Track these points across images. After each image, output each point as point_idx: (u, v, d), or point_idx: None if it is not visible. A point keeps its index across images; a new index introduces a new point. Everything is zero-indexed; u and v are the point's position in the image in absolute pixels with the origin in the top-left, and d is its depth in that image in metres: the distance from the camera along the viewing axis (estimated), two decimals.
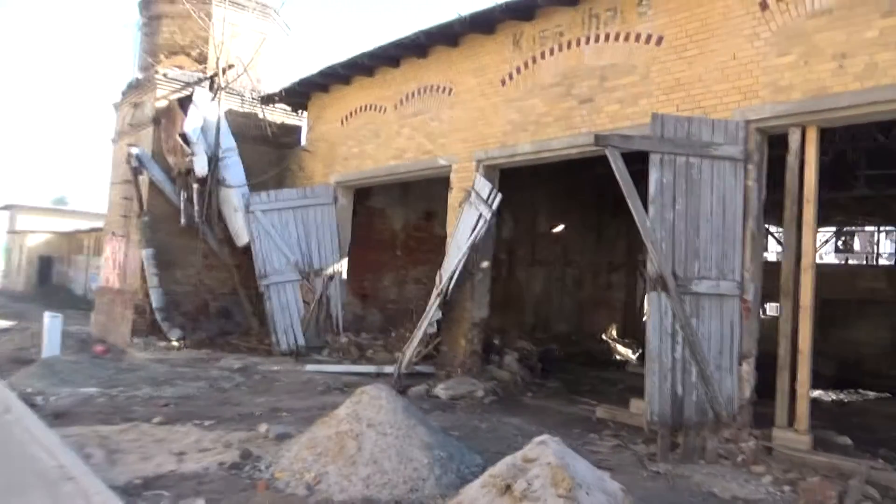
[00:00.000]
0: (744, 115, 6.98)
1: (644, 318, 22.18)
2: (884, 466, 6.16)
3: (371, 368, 10.98)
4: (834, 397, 15.25)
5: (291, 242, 12.97)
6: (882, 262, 19.28)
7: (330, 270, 13.18)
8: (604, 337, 20.21)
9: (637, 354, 19.80)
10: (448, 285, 9.36)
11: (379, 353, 12.24)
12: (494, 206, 8.95)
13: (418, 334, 9.78)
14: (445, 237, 16.36)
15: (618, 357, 18.58)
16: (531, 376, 10.93)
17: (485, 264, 10.17)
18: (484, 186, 9.42)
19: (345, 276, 13.49)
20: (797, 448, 6.45)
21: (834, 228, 19.75)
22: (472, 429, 7.56)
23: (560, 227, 18.71)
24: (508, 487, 4.08)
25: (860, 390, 14.99)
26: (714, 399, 6.63)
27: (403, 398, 6.17)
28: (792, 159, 6.78)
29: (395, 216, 15.30)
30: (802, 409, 6.56)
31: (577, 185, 18.47)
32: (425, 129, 11.23)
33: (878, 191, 16.06)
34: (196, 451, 6.10)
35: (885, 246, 19.27)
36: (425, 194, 15.58)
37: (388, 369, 10.76)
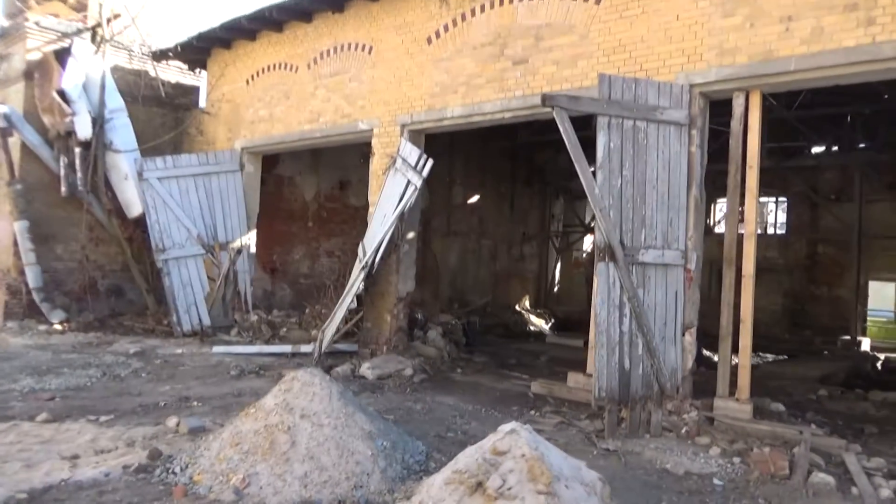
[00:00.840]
0: (688, 79, 6.74)
1: (555, 289, 22.52)
2: (822, 433, 6.21)
3: (286, 348, 10.20)
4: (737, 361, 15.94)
5: (193, 213, 11.82)
6: (775, 232, 20.36)
7: (237, 243, 12.16)
8: (517, 308, 20.24)
9: (550, 325, 20.01)
10: (374, 258, 8.72)
11: (293, 331, 11.44)
12: (425, 172, 8.36)
13: (340, 310, 9.10)
14: (360, 208, 15.66)
15: (532, 328, 18.63)
16: (457, 351, 10.55)
17: (411, 235, 9.61)
18: (412, 152, 8.80)
19: (253, 249, 12.51)
20: (739, 417, 6.40)
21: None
22: (407, 411, 7.05)
23: (476, 198, 18.38)
24: (480, 485, 3.59)
25: (759, 353, 15.74)
26: (659, 371, 6.45)
27: (338, 383, 5.54)
28: (736, 125, 6.63)
29: (306, 185, 14.37)
30: (744, 378, 6.51)
31: (492, 155, 18.19)
32: (343, 91, 10.41)
33: (776, 163, 16.76)
34: (93, 452, 5.22)
35: (779, 216, 20.24)
36: (338, 162, 14.76)
37: (306, 349, 10.04)
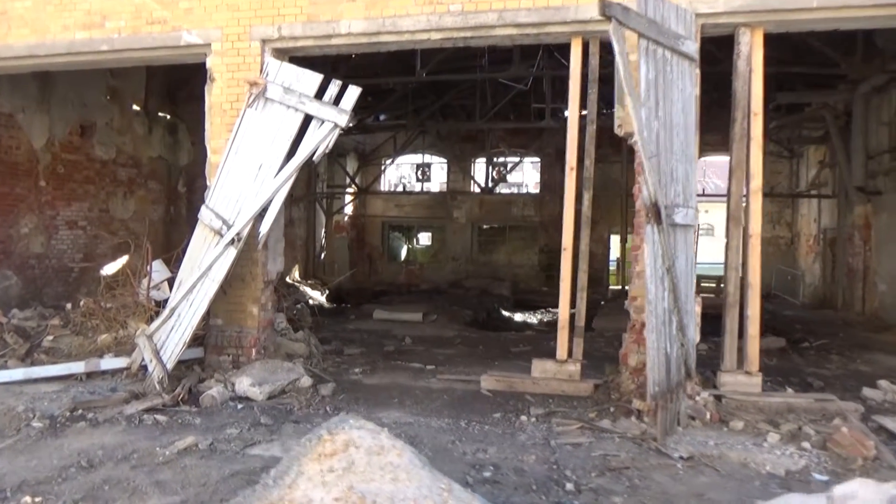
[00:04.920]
0: (693, 7, 5.74)
1: (322, 256, 20.51)
2: (833, 398, 5.94)
3: (77, 366, 6.82)
4: (536, 320, 16.24)
5: None
6: (531, 191, 21.33)
7: None
8: (289, 280, 17.78)
9: (325, 296, 18.09)
10: (255, 228, 6.05)
11: (63, 338, 7.82)
12: (347, 104, 5.94)
13: (190, 305, 6.21)
14: (109, 161, 11.71)
15: (311, 301, 16.53)
16: (322, 344, 8.29)
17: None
18: (300, 76, 6.24)
19: None
20: (750, 392, 5.82)
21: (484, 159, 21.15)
22: None
23: None
24: None
25: (550, 309, 16.15)
26: (687, 352, 5.49)
27: (397, 439, 3.34)
28: (742, 65, 5.87)
29: (34, 128, 10.04)
30: (754, 348, 5.92)
31: None
32: None
33: (526, 122, 16.90)
34: None
35: (533, 176, 21.21)
36: (76, 97, 10.72)
37: (111, 364, 6.92)
